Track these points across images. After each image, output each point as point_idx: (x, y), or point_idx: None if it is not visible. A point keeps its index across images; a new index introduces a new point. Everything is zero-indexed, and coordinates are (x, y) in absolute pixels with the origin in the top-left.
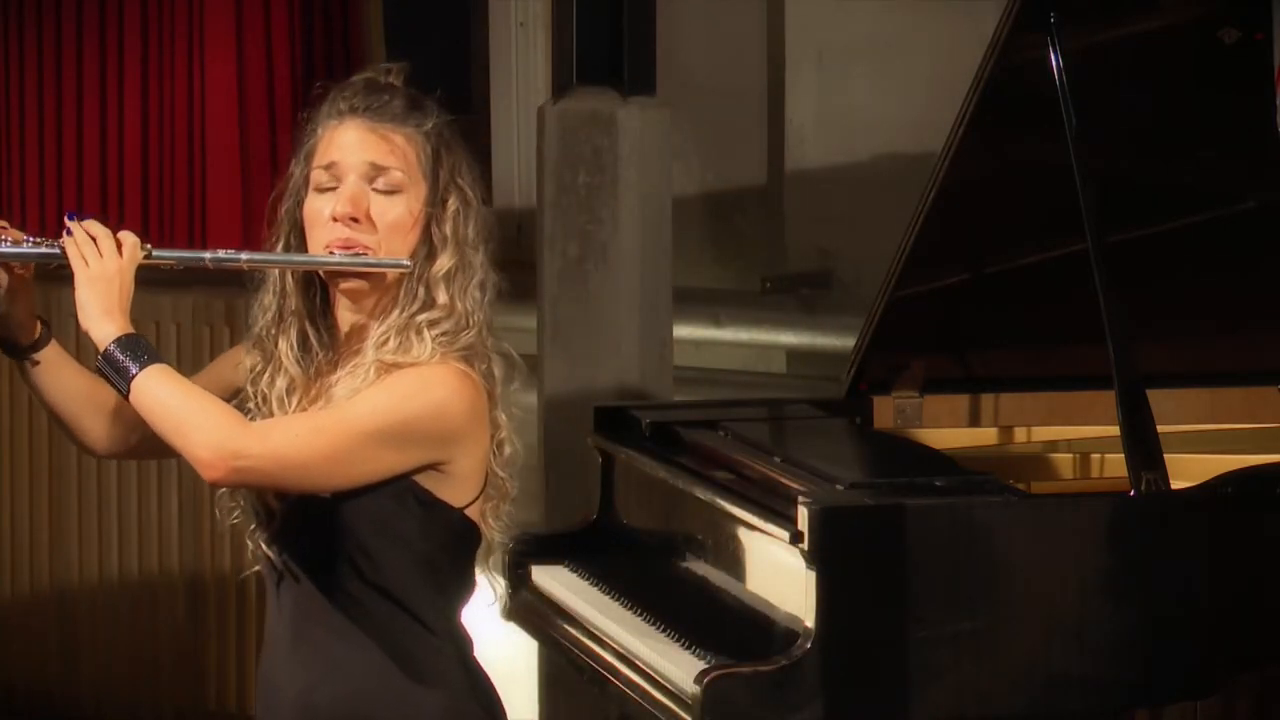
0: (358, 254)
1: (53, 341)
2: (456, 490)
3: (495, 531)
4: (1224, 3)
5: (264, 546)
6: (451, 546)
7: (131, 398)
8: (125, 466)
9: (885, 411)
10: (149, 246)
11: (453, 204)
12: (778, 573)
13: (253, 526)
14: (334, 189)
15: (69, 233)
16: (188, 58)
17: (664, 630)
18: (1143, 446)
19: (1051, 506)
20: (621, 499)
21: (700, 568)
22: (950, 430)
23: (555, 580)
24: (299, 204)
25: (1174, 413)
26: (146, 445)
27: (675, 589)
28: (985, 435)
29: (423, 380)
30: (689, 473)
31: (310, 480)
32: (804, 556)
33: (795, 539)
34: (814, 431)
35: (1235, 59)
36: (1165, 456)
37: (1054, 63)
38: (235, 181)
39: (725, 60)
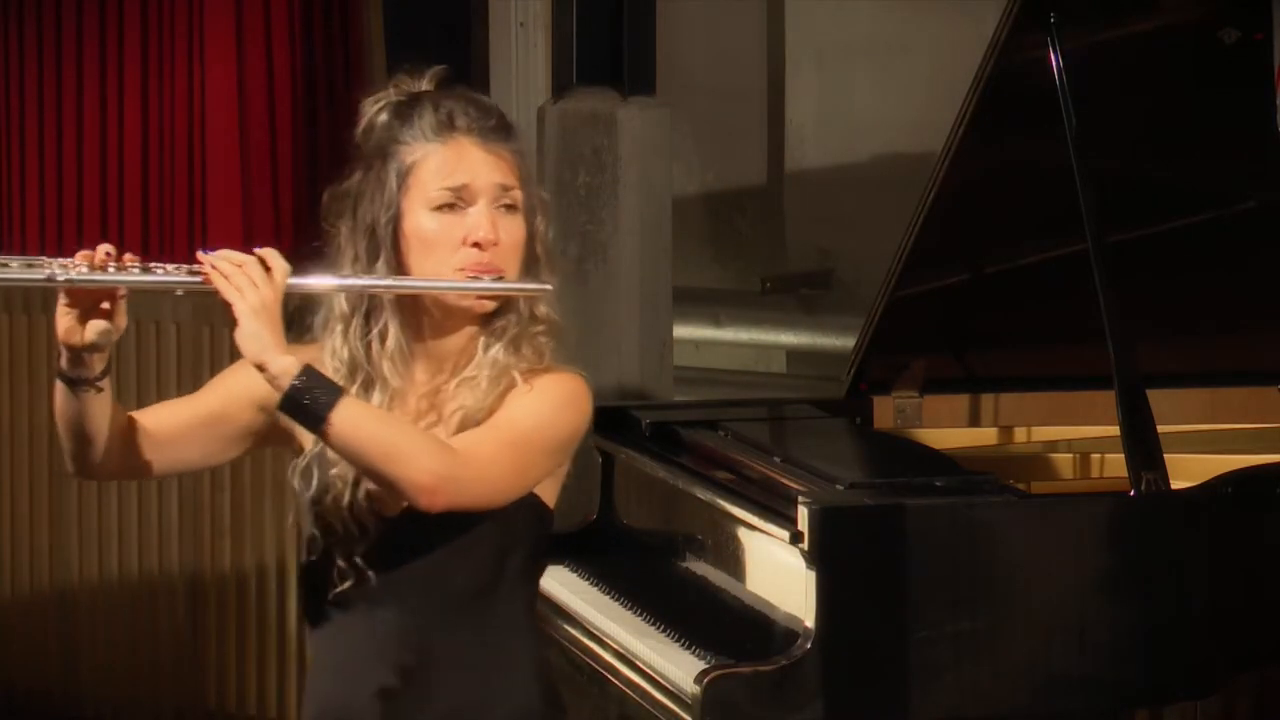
0: (497, 278)
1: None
2: (550, 490)
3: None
4: (1224, 3)
5: (358, 562)
6: (542, 544)
7: (330, 429)
8: None
9: (885, 411)
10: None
11: (541, 218)
12: (778, 573)
13: (343, 539)
14: (459, 210)
15: (207, 259)
16: (188, 59)
17: (664, 630)
18: (1143, 446)
19: (1051, 506)
20: (621, 499)
21: (700, 567)
22: (950, 430)
23: (555, 580)
24: (394, 220)
25: (1174, 413)
26: (144, 466)
27: (675, 589)
28: (985, 435)
29: (567, 388)
30: (689, 473)
31: (502, 496)
32: (804, 556)
33: (795, 539)
34: (814, 431)
35: (1235, 59)
36: (1165, 456)
37: (1054, 63)
38: (235, 183)
39: (725, 61)
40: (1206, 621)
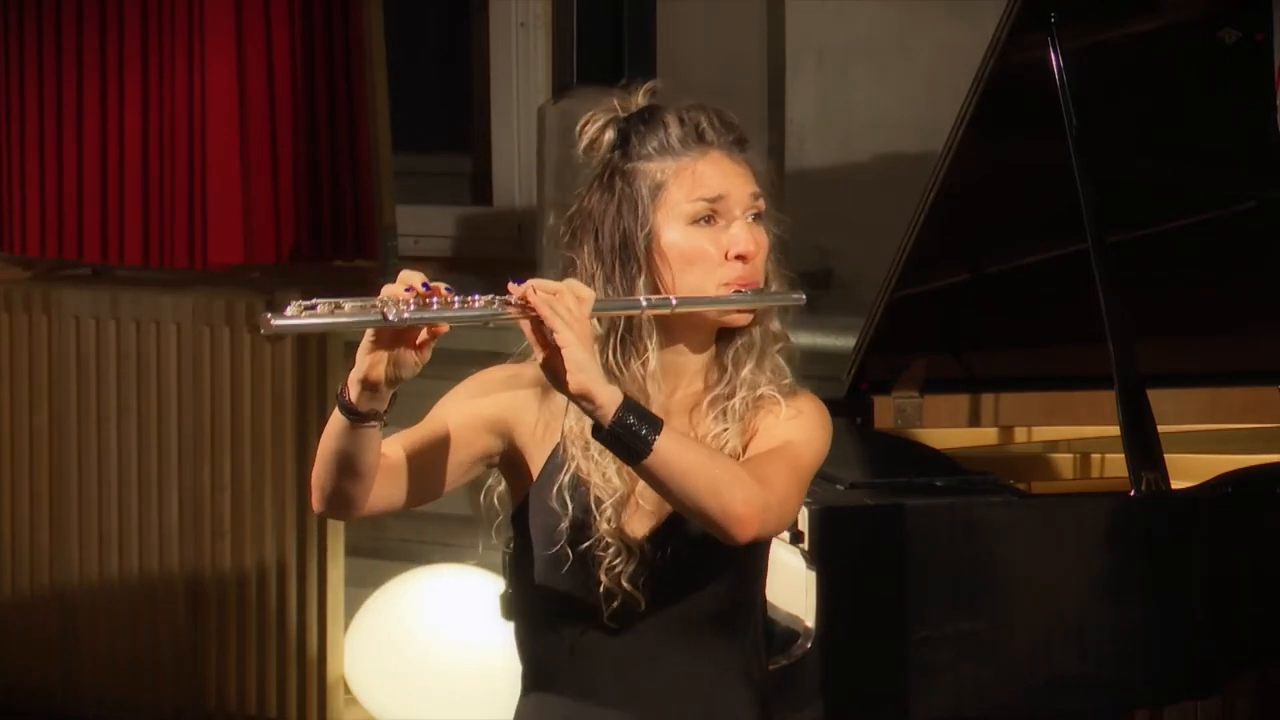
0: (748, 293)
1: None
2: None
3: None
4: (1224, 3)
5: (623, 582)
6: (764, 573)
7: (655, 460)
8: (125, 465)
9: (886, 411)
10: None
11: (772, 226)
12: (778, 572)
13: (609, 562)
14: (715, 223)
15: (526, 287)
16: (188, 58)
17: None
18: (1143, 446)
19: (1052, 506)
20: None
21: None
22: (951, 430)
23: None
24: (650, 237)
25: (1174, 412)
26: (394, 502)
27: None
28: (986, 435)
29: (824, 414)
30: None
31: (785, 524)
32: (804, 556)
33: (796, 539)
34: None
35: (1235, 59)
36: (1165, 456)
37: (1054, 63)
38: (235, 183)
39: (725, 60)
40: (1206, 621)
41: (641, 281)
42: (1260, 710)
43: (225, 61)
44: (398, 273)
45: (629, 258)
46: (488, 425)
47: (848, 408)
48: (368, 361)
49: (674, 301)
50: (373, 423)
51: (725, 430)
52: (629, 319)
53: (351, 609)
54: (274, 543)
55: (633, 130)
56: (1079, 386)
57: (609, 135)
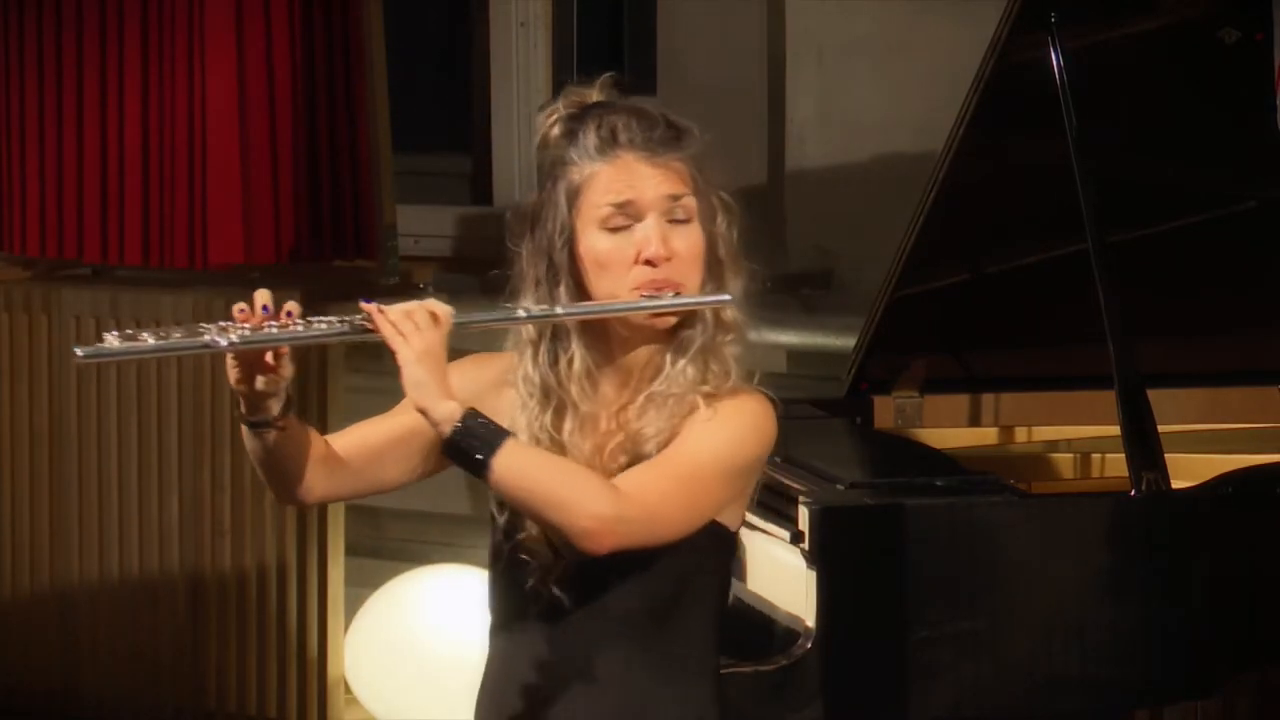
0: (670, 294)
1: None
2: (735, 513)
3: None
4: (1224, 3)
5: (550, 584)
6: (722, 572)
7: (493, 477)
8: (125, 465)
9: (886, 411)
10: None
11: (722, 218)
12: (778, 572)
13: (535, 563)
14: (628, 228)
15: (376, 308)
16: (188, 58)
17: None
18: (1143, 446)
19: (1052, 506)
20: None
21: None
22: (951, 430)
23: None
24: (569, 242)
25: (1174, 412)
26: (357, 489)
27: None
28: (986, 435)
29: (751, 412)
30: None
31: (673, 532)
32: (804, 556)
33: (796, 539)
34: (814, 431)
35: (1235, 59)
36: (1165, 456)
37: (1054, 62)
38: (235, 184)
39: (725, 60)
40: (1207, 621)
41: (564, 285)
42: (1260, 710)
43: (225, 61)
44: (398, 272)
45: (554, 262)
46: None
47: (848, 408)
48: (233, 376)
49: (559, 311)
50: (266, 430)
51: (651, 430)
52: (556, 324)
53: (352, 609)
54: (274, 542)
55: (563, 132)
56: (1079, 386)
57: (553, 133)
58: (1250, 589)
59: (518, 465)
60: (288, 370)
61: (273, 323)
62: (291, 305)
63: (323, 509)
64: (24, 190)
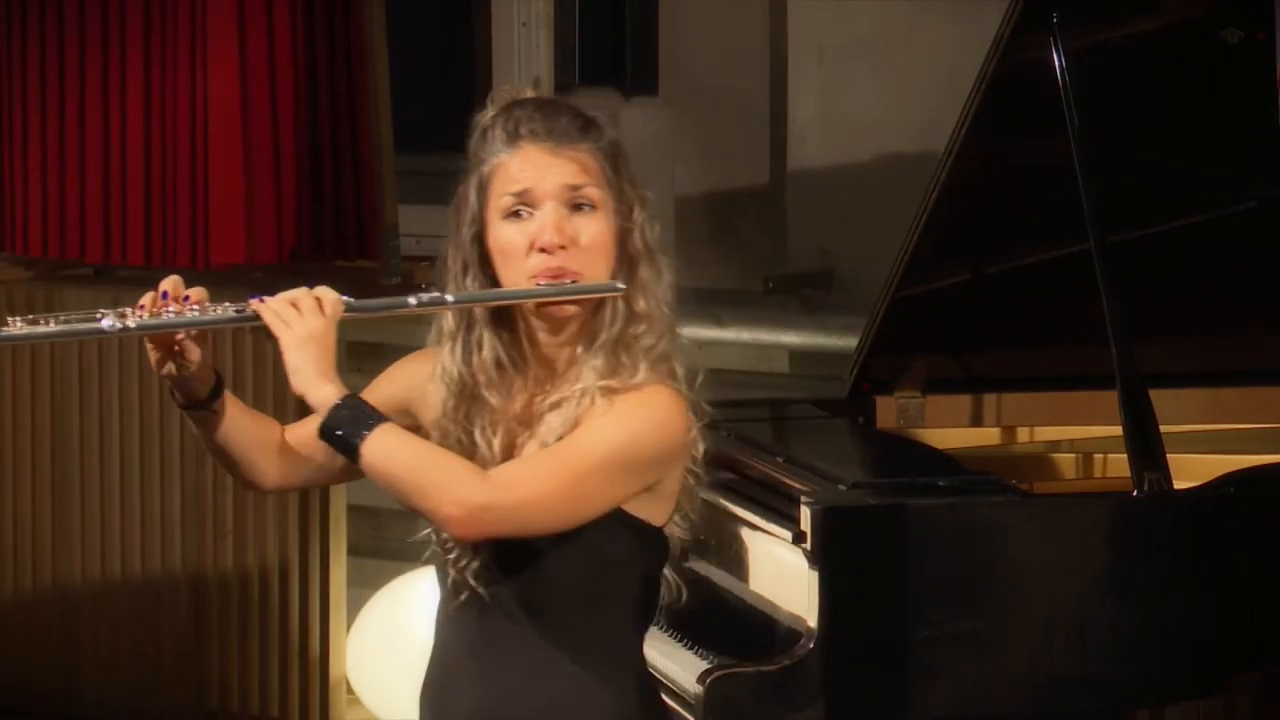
0: (569, 282)
1: (226, 389)
2: (658, 509)
3: (680, 530)
4: (1226, 3)
5: (468, 577)
6: (648, 566)
7: (363, 462)
8: (127, 464)
9: (888, 411)
10: (348, 299)
11: (638, 212)
12: (780, 572)
13: (454, 556)
14: (528, 217)
15: (259, 299)
16: (190, 58)
17: (666, 630)
18: (1145, 446)
19: (1054, 506)
20: None
21: (702, 567)
22: (953, 430)
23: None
24: (478, 235)
25: (1176, 412)
26: (314, 477)
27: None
28: (988, 435)
29: (648, 404)
30: None
31: (551, 523)
32: (807, 556)
33: (798, 539)
34: (816, 431)
35: (1237, 59)
36: (1167, 456)
37: (1056, 62)
38: (237, 183)
39: (727, 60)
40: (1209, 621)
41: (473, 275)
42: (1262, 710)
43: (227, 62)
44: (400, 272)
45: (467, 252)
46: (393, 407)
47: (850, 408)
48: (152, 360)
49: (449, 299)
50: (198, 412)
51: (557, 423)
52: (471, 316)
53: (354, 609)
54: (276, 542)
55: (480, 130)
56: (1081, 386)
57: (476, 133)
58: (1252, 589)
59: (386, 451)
60: (194, 354)
61: (170, 309)
62: (194, 291)
63: (324, 509)
64: (26, 190)
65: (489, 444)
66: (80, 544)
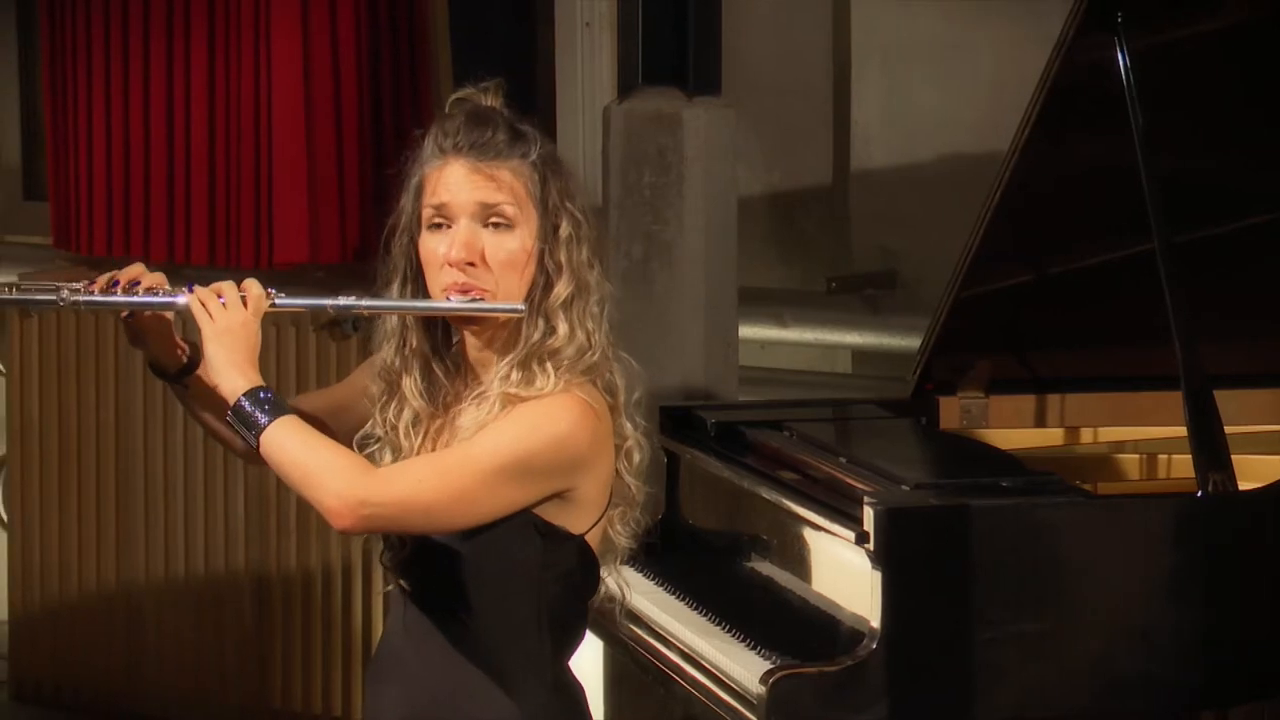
0: (474, 298)
1: (200, 365)
2: (578, 517)
3: (624, 539)
4: None
5: (393, 572)
6: (568, 575)
7: (261, 451)
8: (191, 465)
9: (951, 412)
10: (274, 293)
11: (565, 230)
12: (843, 573)
13: (383, 551)
14: (446, 229)
15: (191, 289)
16: (254, 57)
17: (729, 630)
18: (1209, 447)
19: (1117, 507)
20: (687, 499)
21: (765, 567)
22: (1016, 431)
23: (620, 580)
24: (413, 240)
25: (1240, 413)
26: None
27: (740, 589)
28: (1051, 436)
29: (544, 413)
30: (754, 473)
31: (436, 522)
32: (870, 557)
33: (861, 539)
34: (879, 432)
35: None
36: (1232, 457)
37: (1120, 62)
38: (301, 179)
39: (790, 60)
40: (1272, 622)
41: (400, 281)
42: None
43: (291, 60)
44: None
45: (404, 255)
46: (339, 405)
47: (913, 408)
48: (128, 334)
49: (363, 304)
50: (173, 385)
51: (469, 428)
52: (404, 318)
53: None
54: (339, 541)
55: (426, 133)
56: (1145, 387)
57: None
58: None
59: (278, 442)
60: (151, 332)
61: (116, 292)
62: (152, 277)
63: None
64: (90, 190)
65: (410, 442)
66: (144, 544)
